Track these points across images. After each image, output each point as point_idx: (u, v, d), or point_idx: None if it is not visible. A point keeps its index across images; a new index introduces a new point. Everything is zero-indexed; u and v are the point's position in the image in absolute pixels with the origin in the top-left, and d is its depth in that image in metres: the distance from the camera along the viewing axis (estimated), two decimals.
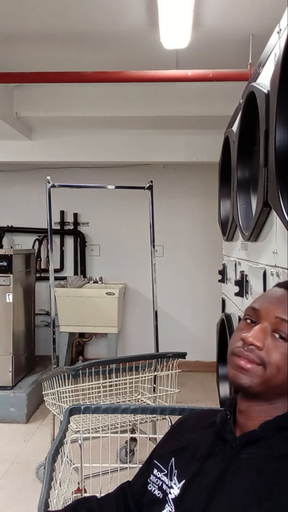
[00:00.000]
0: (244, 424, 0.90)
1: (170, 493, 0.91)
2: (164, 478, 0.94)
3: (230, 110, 2.51)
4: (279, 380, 0.85)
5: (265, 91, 1.54)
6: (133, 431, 2.55)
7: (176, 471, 0.93)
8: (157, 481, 0.96)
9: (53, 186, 3.04)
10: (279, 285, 0.95)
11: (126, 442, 2.79)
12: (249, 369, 0.85)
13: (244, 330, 0.88)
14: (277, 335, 0.86)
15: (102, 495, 1.08)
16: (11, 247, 4.89)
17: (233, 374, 0.87)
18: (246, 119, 1.92)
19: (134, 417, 2.21)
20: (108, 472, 1.80)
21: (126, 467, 1.64)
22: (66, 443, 1.35)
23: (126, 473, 1.54)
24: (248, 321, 0.90)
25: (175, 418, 1.19)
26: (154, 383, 2.58)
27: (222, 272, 2.89)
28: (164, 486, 0.93)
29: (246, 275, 2.04)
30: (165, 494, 0.92)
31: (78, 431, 2.10)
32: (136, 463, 2.40)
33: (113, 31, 2.77)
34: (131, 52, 3.09)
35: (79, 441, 1.88)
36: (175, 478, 0.92)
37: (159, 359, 2.56)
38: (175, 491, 0.90)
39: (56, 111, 3.74)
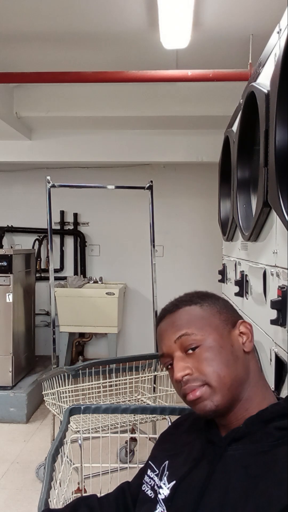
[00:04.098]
0: (229, 423, 0.91)
1: (160, 493, 0.92)
2: (156, 478, 0.95)
3: (230, 110, 2.51)
4: (225, 378, 0.87)
5: (265, 91, 1.54)
6: (133, 431, 2.55)
7: (167, 472, 0.94)
8: (150, 481, 0.97)
9: (53, 186, 3.04)
10: (157, 320, 1.01)
11: (126, 442, 2.79)
12: (200, 395, 0.87)
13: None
14: (190, 351, 0.89)
15: (102, 495, 1.08)
16: (11, 247, 4.89)
17: (197, 409, 0.89)
18: (246, 119, 1.92)
19: (134, 417, 2.21)
20: (108, 472, 1.80)
21: (126, 467, 1.64)
22: (66, 443, 1.35)
23: (126, 473, 1.55)
24: (169, 367, 0.95)
25: (175, 418, 1.19)
26: (154, 383, 2.58)
27: (222, 272, 2.89)
28: (156, 486, 0.94)
29: (246, 275, 2.04)
30: (156, 494, 0.93)
31: (78, 431, 2.10)
32: (136, 463, 2.41)
33: (113, 31, 2.77)
34: (131, 52, 3.09)
35: (79, 441, 1.87)
36: (165, 478, 0.93)
37: (159, 359, 2.56)
38: (164, 492, 0.91)
39: (56, 111, 3.75)
